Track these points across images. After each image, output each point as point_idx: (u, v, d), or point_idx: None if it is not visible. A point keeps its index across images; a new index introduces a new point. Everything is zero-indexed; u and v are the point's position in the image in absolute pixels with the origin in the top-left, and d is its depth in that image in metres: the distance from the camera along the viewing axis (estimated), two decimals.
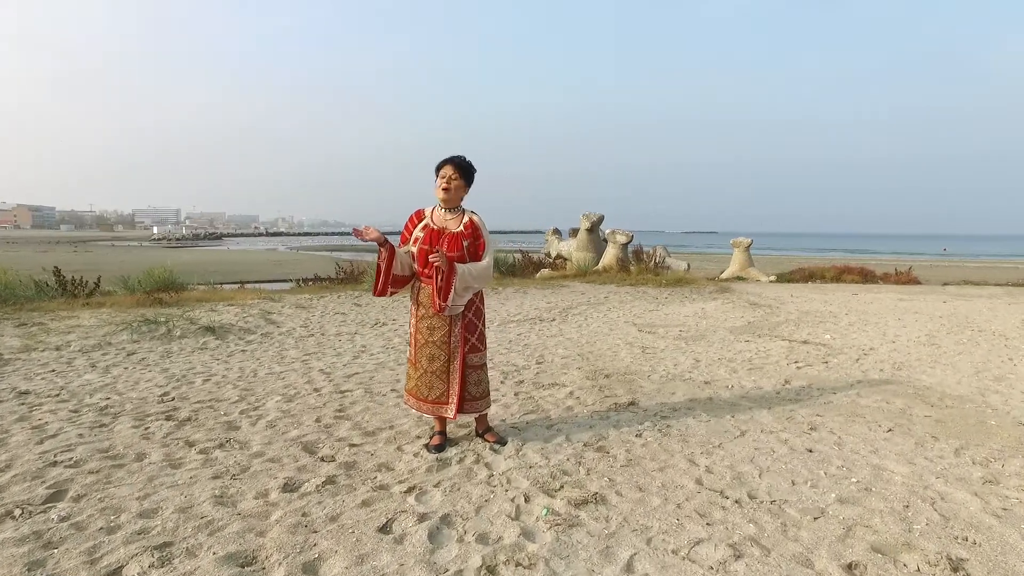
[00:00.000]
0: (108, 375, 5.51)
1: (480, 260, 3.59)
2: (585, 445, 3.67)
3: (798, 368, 5.83)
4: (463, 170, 3.57)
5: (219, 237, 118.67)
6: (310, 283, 15.22)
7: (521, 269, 16.74)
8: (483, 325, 3.76)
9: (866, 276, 19.65)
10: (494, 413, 4.38)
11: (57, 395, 4.86)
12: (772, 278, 19.72)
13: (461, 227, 3.56)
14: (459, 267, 3.46)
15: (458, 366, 3.60)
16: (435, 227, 3.53)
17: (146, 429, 4.03)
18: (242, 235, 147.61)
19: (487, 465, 3.37)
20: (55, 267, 11.54)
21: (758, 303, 11.06)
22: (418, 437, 3.84)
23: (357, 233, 3.46)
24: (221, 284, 15.72)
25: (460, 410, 3.62)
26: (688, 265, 19.31)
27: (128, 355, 6.34)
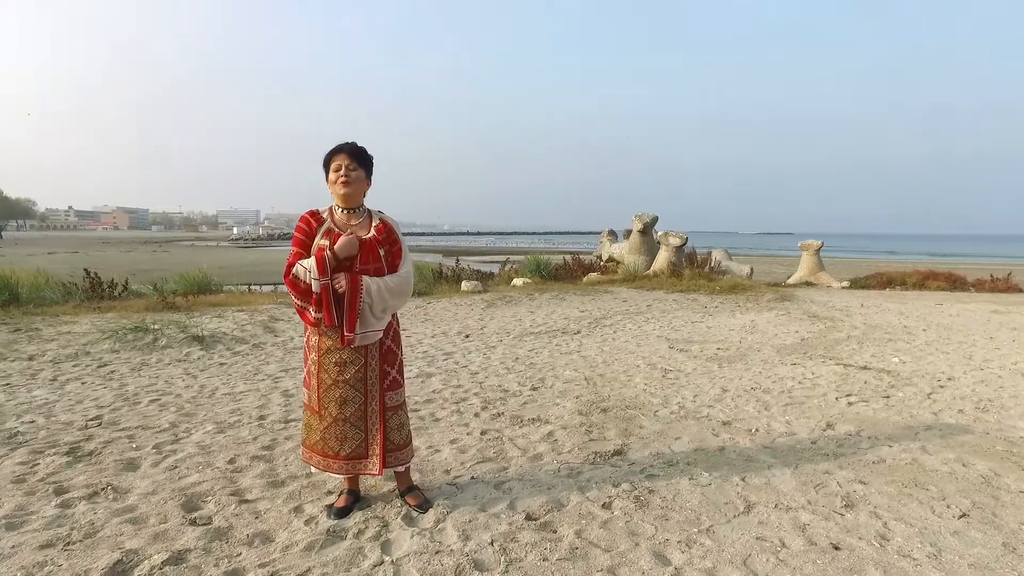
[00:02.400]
0: (58, 391, 5.02)
1: (397, 270, 2.78)
2: (528, 518, 2.78)
3: (848, 404, 4.71)
4: (361, 158, 2.76)
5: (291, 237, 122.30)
6: None
7: (566, 273, 15.79)
8: (401, 352, 2.93)
9: (954, 283, 17.65)
10: (444, 459, 3.55)
11: None
12: (844, 284, 18.01)
13: (373, 231, 2.75)
14: (374, 283, 2.66)
15: (378, 409, 2.79)
16: (339, 232, 2.72)
17: (32, 467, 3.43)
18: None
19: (384, 545, 2.55)
20: (85, 269, 11.47)
21: (819, 314, 9.75)
22: (329, 492, 3.06)
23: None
24: (258, 285, 15.49)
25: (384, 463, 2.82)
26: (751, 269, 17.86)
27: (98, 367, 5.87)
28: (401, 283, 2.74)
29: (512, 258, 19.12)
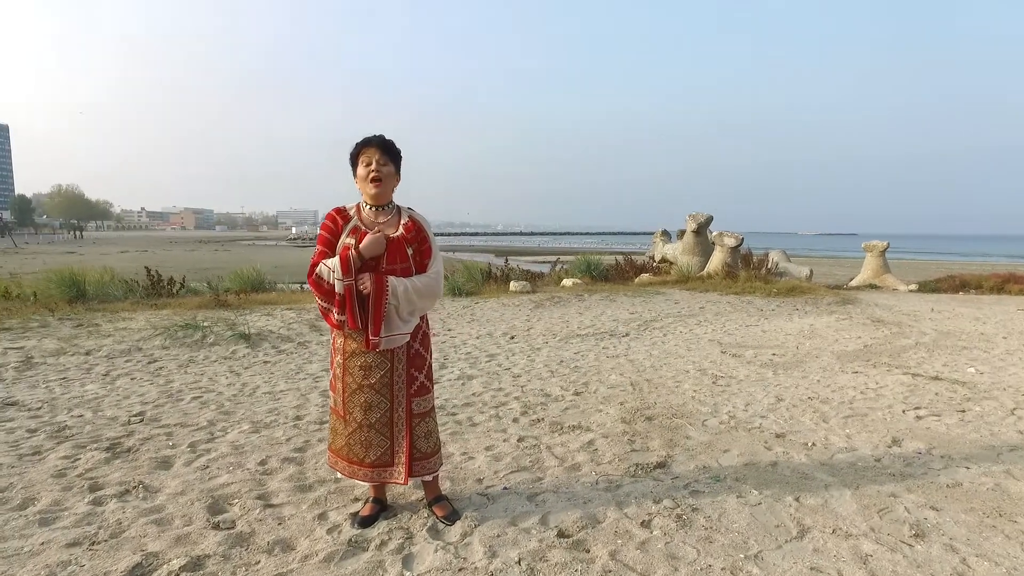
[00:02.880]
0: (108, 387, 5.12)
1: (426, 271, 2.65)
2: (560, 535, 2.61)
3: (918, 419, 4.35)
4: (391, 152, 2.64)
5: None
6: None
7: (617, 274, 15.48)
8: (431, 356, 2.80)
9: None
10: (478, 466, 3.41)
11: (37, 409, 4.48)
12: (912, 287, 17.09)
13: (401, 229, 2.63)
14: (400, 284, 2.53)
15: (404, 415, 2.67)
16: (366, 230, 2.61)
17: (74, 461, 3.46)
18: None
19: (406, 559, 2.42)
20: (146, 267, 11.85)
21: (884, 319, 9.20)
22: (356, 500, 2.95)
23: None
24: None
25: (410, 472, 2.70)
26: (810, 271, 17.14)
27: (148, 363, 5.99)
28: (430, 284, 2.60)
29: (563, 258, 18.87)
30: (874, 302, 12.00)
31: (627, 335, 7.71)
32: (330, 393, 2.80)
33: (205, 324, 7.46)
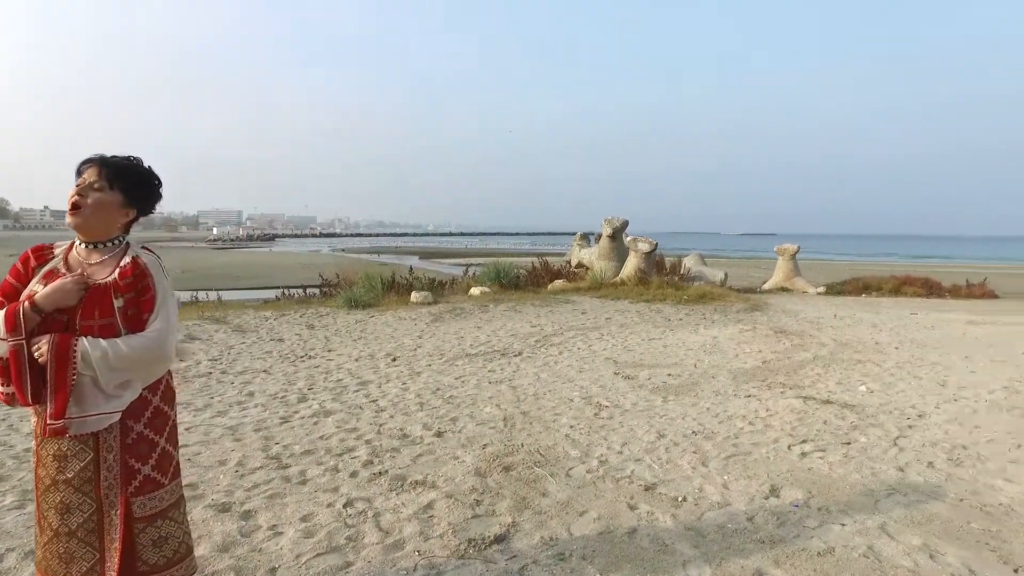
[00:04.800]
0: None
1: (144, 327, 1.98)
2: None
3: (802, 456, 3.99)
4: (118, 175, 1.98)
5: (272, 238, 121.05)
6: (293, 295, 13.89)
7: (531, 280, 15.03)
8: (168, 441, 2.14)
9: (931, 289, 17.18)
10: (280, 549, 2.77)
11: None
12: (820, 289, 17.47)
13: (115, 275, 1.97)
14: (97, 347, 1.86)
15: (119, 520, 2.00)
16: (64, 273, 1.94)
17: None
18: (296, 236, 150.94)
19: None
20: None
21: (787, 329, 9.07)
22: None
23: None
24: (212, 291, 14.50)
25: None
26: (725, 275, 17.22)
27: None
28: (146, 346, 1.94)
29: (480, 262, 18.34)
30: (782, 308, 12.00)
31: (520, 354, 7.20)
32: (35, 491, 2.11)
33: None
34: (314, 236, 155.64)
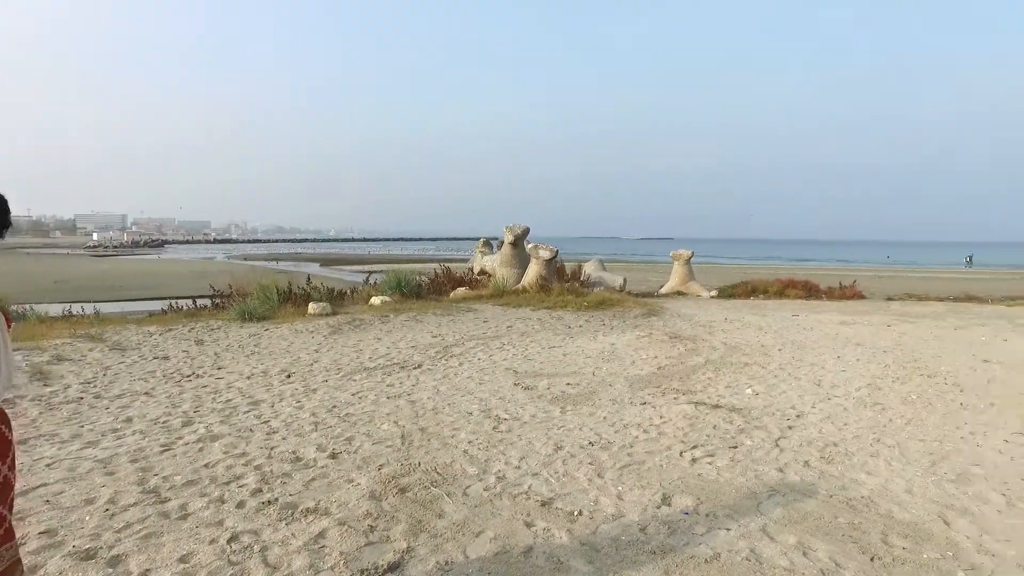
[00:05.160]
0: None
1: None
2: None
3: (692, 462, 4.15)
4: None
5: (161, 244, 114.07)
6: (182, 307, 13.05)
7: (433, 288, 14.90)
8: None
9: (810, 291, 18.46)
10: None
11: None
12: (713, 293, 18.38)
13: None
14: None
15: None
16: None
17: None
18: (188, 242, 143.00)
19: None
20: None
21: (681, 334, 9.46)
22: None
23: None
24: (90, 304, 13.32)
25: None
26: (624, 280, 17.78)
27: None
28: None
29: (381, 268, 18.01)
30: (677, 312, 12.51)
31: (420, 366, 7.10)
32: None
33: None
34: (208, 242, 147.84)
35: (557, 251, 14.80)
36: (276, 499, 3.53)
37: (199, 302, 13.60)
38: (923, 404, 5.74)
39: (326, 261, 55.18)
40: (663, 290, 19.61)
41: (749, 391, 6.12)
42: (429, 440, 4.56)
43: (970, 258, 63.15)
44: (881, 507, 3.47)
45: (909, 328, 10.77)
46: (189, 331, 9.48)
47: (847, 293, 18.42)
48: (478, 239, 21.07)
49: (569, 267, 16.85)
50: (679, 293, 18.96)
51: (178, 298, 18.56)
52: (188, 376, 6.63)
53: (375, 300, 12.22)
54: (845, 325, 11.07)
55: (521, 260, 15.79)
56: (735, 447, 4.45)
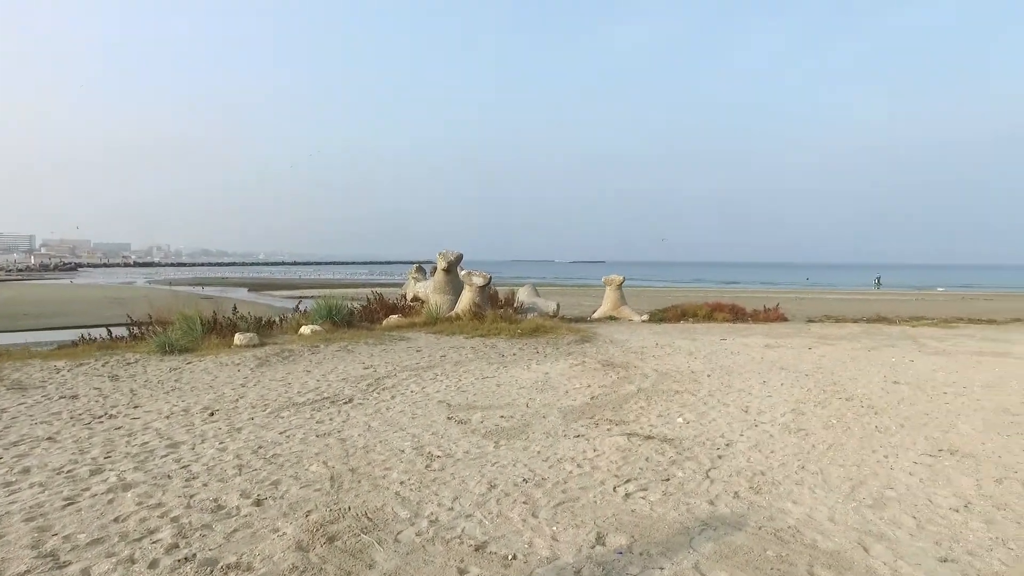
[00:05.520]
0: None
1: None
2: None
3: (626, 497, 4.17)
4: None
5: (74, 268, 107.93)
6: (96, 337, 12.29)
7: (365, 315, 14.62)
8: None
9: (737, 314, 19.12)
10: None
11: None
12: (645, 317, 18.76)
13: None
14: None
15: None
16: None
17: None
18: (105, 265, 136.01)
19: None
20: None
21: (613, 361, 9.59)
22: None
23: None
24: None
25: None
26: (558, 305, 17.92)
27: None
28: None
29: (309, 294, 17.54)
30: (610, 338, 12.69)
31: (351, 400, 6.91)
32: None
33: None
34: (127, 265, 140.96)
35: (490, 277, 14.82)
36: (194, 555, 3.32)
37: (115, 332, 12.79)
38: (842, 428, 5.98)
39: (254, 286, 53.44)
40: (596, 315, 19.88)
41: (680, 420, 6.23)
42: (360, 482, 4.41)
43: (878, 280, 67.17)
44: (807, 537, 3.57)
45: (828, 350, 11.28)
46: (103, 365, 8.96)
47: (771, 316, 19.18)
48: (411, 263, 20.87)
49: (503, 293, 16.89)
50: (611, 318, 19.26)
51: (91, 327, 17.47)
52: (100, 417, 6.22)
53: (305, 329, 11.87)
54: (770, 348, 11.48)
55: (455, 286, 15.72)
56: (667, 479, 4.50)
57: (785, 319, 19.18)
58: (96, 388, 7.53)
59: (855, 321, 18.04)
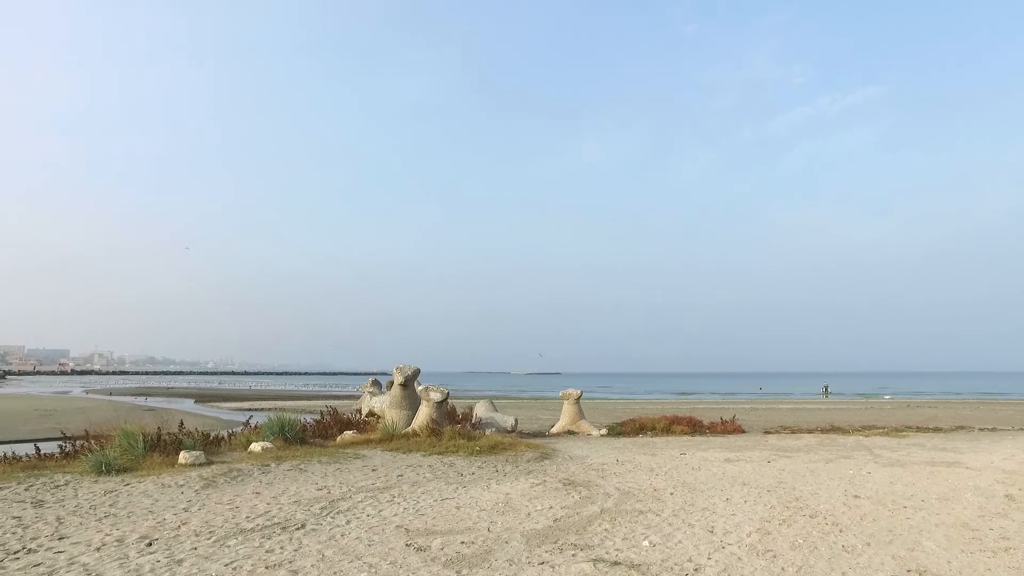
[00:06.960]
0: None
1: None
2: None
3: None
4: None
5: (2, 376, 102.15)
6: (20, 456, 11.47)
7: (318, 431, 14.13)
8: None
9: (694, 427, 19.16)
10: None
11: None
12: (603, 431, 18.61)
13: None
14: None
15: None
16: None
17: None
18: (40, 373, 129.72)
19: None
20: None
21: (575, 480, 9.40)
22: None
23: None
24: None
25: None
26: (516, 420, 17.68)
27: None
28: None
29: (260, 406, 16.94)
30: (569, 454, 12.49)
31: (303, 526, 6.54)
32: None
33: None
34: (64, 373, 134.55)
35: (448, 393, 14.63)
36: None
37: (44, 448, 11.90)
38: (809, 548, 5.91)
39: (202, 397, 51.36)
40: (554, 429, 19.64)
41: (646, 543, 6.06)
42: None
43: (826, 388, 68.85)
44: None
45: (787, 463, 11.32)
46: (25, 489, 8.28)
47: (728, 427, 19.28)
48: (367, 375, 20.51)
49: (460, 407, 16.65)
50: (570, 432, 19.05)
51: (15, 442, 16.38)
52: (15, 553, 5.64)
53: (255, 446, 11.36)
54: (730, 463, 11.45)
55: (411, 401, 15.43)
56: None
57: (742, 431, 19.29)
58: (15, 517, 6.89)
59: (810, 431, 18.29)
